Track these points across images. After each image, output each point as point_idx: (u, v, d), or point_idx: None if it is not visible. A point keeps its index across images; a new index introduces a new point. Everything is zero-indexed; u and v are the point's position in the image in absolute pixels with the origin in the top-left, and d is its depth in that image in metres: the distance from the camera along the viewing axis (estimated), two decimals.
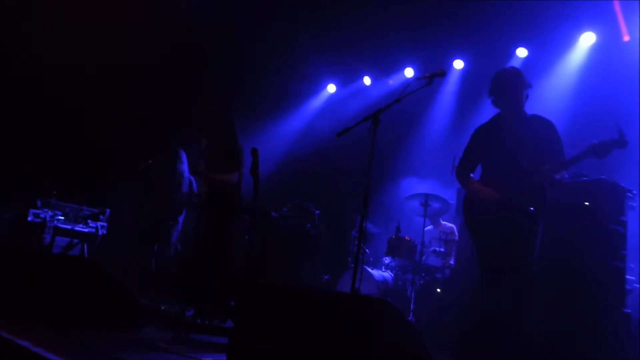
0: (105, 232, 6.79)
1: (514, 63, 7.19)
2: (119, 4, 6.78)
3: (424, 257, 6.09)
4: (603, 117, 5.71)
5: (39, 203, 6.39)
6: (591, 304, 4.20)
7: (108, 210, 6.92)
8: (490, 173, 3.82)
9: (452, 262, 6.24)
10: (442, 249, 6.19)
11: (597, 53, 6.56)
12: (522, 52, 7.14)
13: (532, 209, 3.55)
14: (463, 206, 3.97)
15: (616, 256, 4.32)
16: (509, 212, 3.59)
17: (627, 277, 4.47)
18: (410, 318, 5.61)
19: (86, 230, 6.63)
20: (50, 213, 6.36)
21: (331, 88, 9.37)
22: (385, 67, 8.40)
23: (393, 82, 8.59)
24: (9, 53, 6.78)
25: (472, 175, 4.02)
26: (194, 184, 6.29)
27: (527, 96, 3.77)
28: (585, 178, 4.57)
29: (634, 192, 4.59)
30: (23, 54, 6.79)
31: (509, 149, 3.68)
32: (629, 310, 4.29)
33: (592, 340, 4.11)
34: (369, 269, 6.15)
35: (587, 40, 6.64)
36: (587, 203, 4.44)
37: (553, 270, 4.31)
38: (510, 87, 3.73)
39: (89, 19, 6.77)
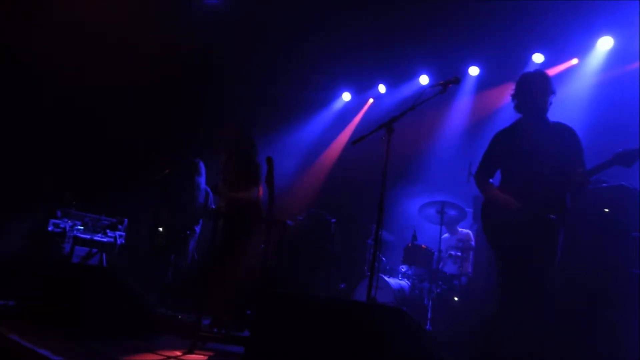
0: (123, 241, 6.86)
1: (530, 69, 7.13)
2: (139, 22, 6.89)
3: (440, 265, 6.04)
4: (622, 122, 5.64)
5: (59, 213, 6.49)
6: (611, 311, 4.13)
7: (126, 219, 6.99)
8: (510, 179, 3.75)
9: (469, 269, 6.18)
10: (459, 256, 6.13)
11: (615, 57, 6.47)
12: (538, 58, 7.07)
13: (554, 217, 3.49)
14: (482, 212, 3.89)
15: (636, 263, 4.24)
16: (529, 221, 3.53)
17: None
18: (427, 327, 5.56)
19: (105, 239, 6.71)
20: (70, 223, 6.45)
21: (346, 96, 9.38)
22: (400, 74, 8.38)
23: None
24: (33, 67, 6.93)
25: (491, 180, 3.94)
26: (211, 196, 6.33)
27: (550, 103, 3.71)
28: (605, 184, 4.50)
29: None
30: (47, 67, 6.93)
31: (530, 156, 3.62)
32: None
33: (612, 348, 4.03)
34: (386, 278, 6.11)
35: (604, 44, 6.56)
36: (607, 210, 4.37)
37: (573, 277, 4.25)
38: (537, 94, 3.68)
39: (110, 35, 6.89)
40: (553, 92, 3.71)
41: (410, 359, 2.41)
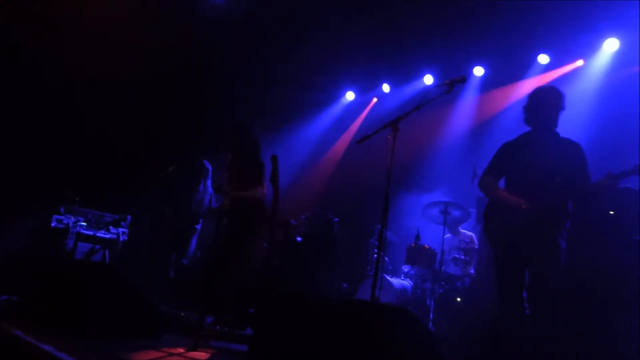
0: (126, 238, 6.86)
1: (535, 70, 7.13)
2: (141, 21, 6.90)
3: (443, 266, 6.03)
4: (627, 123, 5.62)
5: (62, 209, 6.49)
6: (616, 314, 4.12)
7: (129, 216, 7.00)
8: (518, 186, 3.78)
9: (472, 271, 6.17)
10: (461, 258, 6.13)
11: (621, 59, 6.44)
12: (543, 59, 7.04)
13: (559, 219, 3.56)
14: (485, 214, 3.91)
15: None
16: (533, 222, 3.55)
17: None
18: (429, 327, 5.55)
19: (108, 236, 6.71)
20: (72, 219, 6.45)
21: (350, 96, 9.37)
22: (404, 74, 8.36)
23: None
24: (36, 64, 6.93)
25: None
26: (214, 197, 6.33)
27: (558, 119, 3.79)
28: None
29: None
30: (49, 65, 6.93)
31: (539, 168, 3.68)
32: None
33: (616, 350, 4.02)
34: (388, 278, 6.11)
35: (610, 46, 6.53)
36: (612, 212, 4.36)
37: (577, 279, 4.24)
38: (549, 109, 3.75)
39: (111, 34, 6.89)
40: (563, 108, 3.78)
41: (416, 358, 2.41)
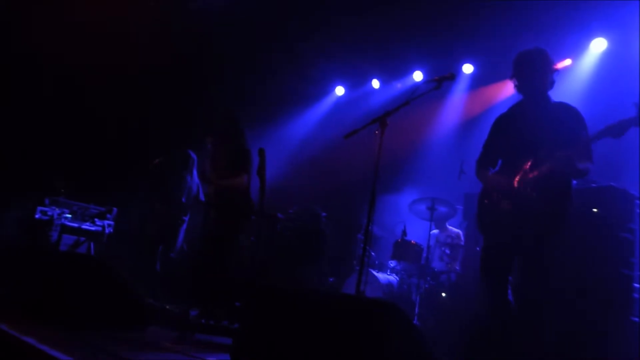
0: (111, 230, 6.81)
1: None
2: (132, 9, 6.82)
3: (429, 261, 6.07)
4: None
5: (46, 201, 6.42)
6: (599, 311, 4.16)
7: (115, 209, 6.94)
8: (508, 166, 3.56)
9: (457, 267, 6.21)
10: (447, 253, 6.17)
11: (609, 59, 6.50)
12: None
13: (548, 209, 3.29)
14: (478, 201, 3.70)
15: (625, 264, 4.27)
16: (524, 210, 3.32)
17: (635, 284, 4.42)
18: (414, 322, 5.58)
19: (93, 228, 6.66)
20: (57, 211, 6.39)
21: (339, 91, 9.36)
22: (394, 70, 8.38)
23: (401, 85, 8.61)
24: (22, 53, 6.83)
25: (494, 170, 3.74)
26: (201, 187, 6.30)
27: (553, 82, 3.52)
28: (594, 184, 4.53)
29: None
30: (36, 54, 6.84)
31: (528, 138, 3.41)
32: (637, 319, 4.25)
33: (599, 348, 4.07)
34: (374, 272, 6.13)
35: (598, 46, 6.59)
36: (595, 210, 4.40)
37: (561, 276, 4.28)
38: (536, 72, 3.47)
39: (99, 22, 6.82)
40: (554, 70, 3.51)
41: (402, 353, 2.41)
